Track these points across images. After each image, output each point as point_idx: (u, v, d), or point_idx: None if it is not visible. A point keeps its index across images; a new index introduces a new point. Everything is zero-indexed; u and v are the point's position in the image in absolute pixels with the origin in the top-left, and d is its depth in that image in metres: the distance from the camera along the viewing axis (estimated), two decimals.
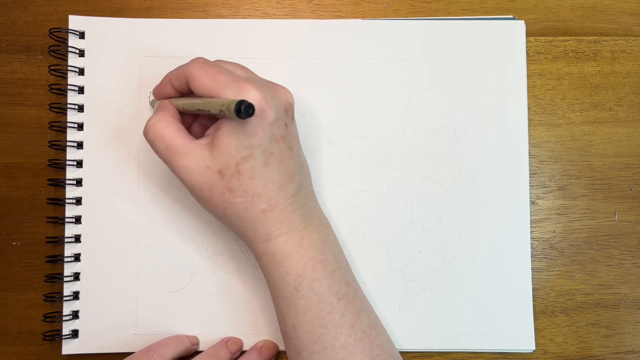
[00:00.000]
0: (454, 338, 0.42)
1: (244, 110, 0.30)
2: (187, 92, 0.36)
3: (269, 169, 0.34)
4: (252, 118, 0.32)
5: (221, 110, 0.32)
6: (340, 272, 0.36)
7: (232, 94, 0.32)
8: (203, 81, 0.33)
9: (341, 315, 0.35)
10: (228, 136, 0.33)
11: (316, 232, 0.36)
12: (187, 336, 0.41)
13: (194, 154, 0.34)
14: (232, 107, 0.30)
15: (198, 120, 0.38)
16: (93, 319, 0.42)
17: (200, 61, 0.34)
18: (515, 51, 0.44)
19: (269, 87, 0.34)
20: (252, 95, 0.32)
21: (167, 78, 0.37)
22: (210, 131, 0.35)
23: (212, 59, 0.43)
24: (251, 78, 0.35)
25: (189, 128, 0.38)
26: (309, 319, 0.35)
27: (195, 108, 0.34)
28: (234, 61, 0.37)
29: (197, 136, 0.37)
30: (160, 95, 0.38)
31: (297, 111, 0.43)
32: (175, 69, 0.36)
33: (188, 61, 0.35)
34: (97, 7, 0.44)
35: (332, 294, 0.35)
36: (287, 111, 0.35)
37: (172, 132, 0.34)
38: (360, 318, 0.36)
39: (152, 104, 0.41)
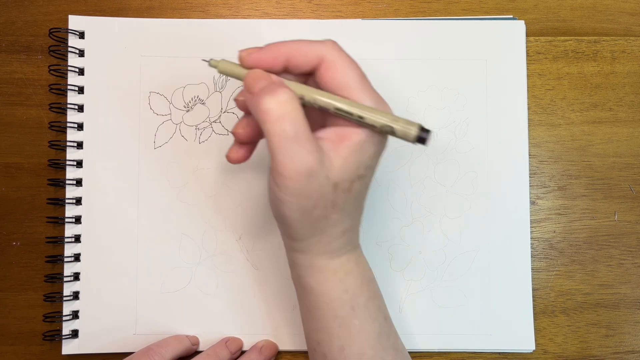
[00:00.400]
0: (454, 338, 0.42)
1: (426, 137, 0.28)
2: (295, 74, 0.31)
3: (366, 192, 0.33)
4: (379, 141, 0.31)
5: (387, 128, 0.29)
6: (381, 291, 0.36)
7: (372, 100, 0.30)
8: (348, 75, 0.30)
9: (387, 336, 0.35)
10: (356, 150, 0.30)
11: (362, 252, 0.36)
12: (187, 336, 0.41)
13: (319, 156, 0.29)
14: (414, 131, 0.28)
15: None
16: (93, 319, 0.42)
17: (339, 47, 0.30)
18: (515, 51, 0.44)
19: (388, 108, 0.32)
20: (388, 107, 0.31)
21: (283, 49, 0.30)
22: (328, 135, 0.30)
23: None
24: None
25: None
26: (362, 340, 0.33)
27: (335, 108, 0.29)
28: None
29: None
30: (256, 62, 0.31)
31: None
32: (299, 42, 0.30)
33: (317, 40, 0.30)
34: (97, 7, 0.44)
35: (381, 313, 0.35)
36: None
37: (304, 120, 0.29)
38: (398, 339, 0.36)
39: (221, 67, 0.32)
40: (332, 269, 0.33)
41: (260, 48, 0.31)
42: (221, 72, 0.32)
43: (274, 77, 0.31)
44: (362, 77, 0.30)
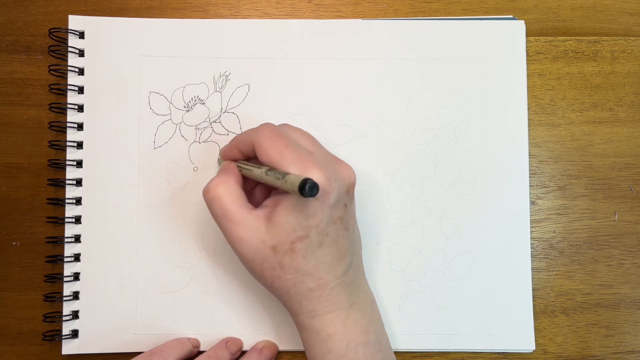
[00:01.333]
0: (454, 338, 0.42)
1: (308, 189, 0.30)
2: (254, 157, 0.36)
3: (322, 249, 0.34)
4: (313, 200, 0.32)
5: (284, 185, 0.31)
6: (381, 353, 0.36)
7: (297, 171, 0.32)
8: (270, 153, 0.33)
9: None
10: (287, 214, 0.33)
11: (361, 310, 0.36)
12: (187, 338, 0.41)
13: (249, 226, 0.33)
14: (297, 184, 0.30)
15: (261, 185, 0.38)
16: (93, 319, 0.42)
17: (268, 130, 0.34)
18: (515, 51, 0.44)
19: (332, 167, 0.34)
20: (316, 177, 0.32)
21: (235, 142, 0.37)
22: (268, 203, 0.35)
23: (212, 60, 0.43)
24: (316, 154, 0.35)
25: (250, 192, 0.38)
26: None
27: (260, 178, 0.34)
28: (299, 128, 0.37)
29: (258, 201, 0.38)
30: (226, 157, 0.38)
31: (298, 111, 0.43)
32: (244, 134, 0.36)
33: (257, 126, 0.35)
34: (97, 7, 0.44)
35: None
36: (349, 192, 0.35)
37: (231, 198, 0.34)
38: None
39: (219, 162, 0.41)
40: (315, 329, 0.35)
41: (228, 144, 0.38)
42: (219, 164, 0.40)
43: (229, 163, 0.37)
44: (284, 147, 0.33)
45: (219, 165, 0.41)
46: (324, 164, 0.33)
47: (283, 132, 0.35)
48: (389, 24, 0.44)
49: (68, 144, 0.42)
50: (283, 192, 0.34)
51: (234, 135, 0.38)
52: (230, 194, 0.34)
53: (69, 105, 0.43)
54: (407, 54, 0.44)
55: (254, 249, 0.33)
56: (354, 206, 0.37)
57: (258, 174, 0.34)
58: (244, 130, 0.43)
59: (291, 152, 0.33)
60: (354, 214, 0.37)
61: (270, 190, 0.38)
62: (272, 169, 0.33)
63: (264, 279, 0.35)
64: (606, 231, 0.44)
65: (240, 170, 0.36)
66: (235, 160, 0.37)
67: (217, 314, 0.42)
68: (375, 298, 0.41)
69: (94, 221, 0.42)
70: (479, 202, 0.43)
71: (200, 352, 0.41)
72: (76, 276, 0.42)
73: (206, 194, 0.35)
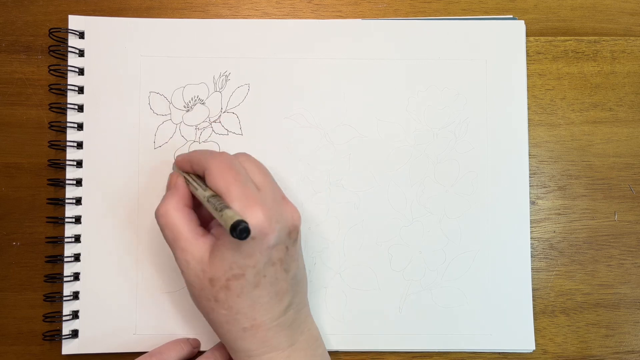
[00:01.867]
0: (454, 338, 0.42)
1: (239, 232, 0.30)
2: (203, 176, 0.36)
3: (258, 290, 0.33)
4: (251, 240, 0.32)
5: (220, 219, 0.31)
6: None
7: (239, 208, 0.32)
8: (217, 184, 0.33)
9: None
10: (225, 250, 0.33)
11: (302, 349, 0.36)
12: (187, 339, 0.41)
13: (195, 254, 0.34)
14: (229, 223, 0.30)
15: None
16: (93, 319, 0.42)
17: (221, 159, 0.34)
18: (515, 51, 0.44)
19: (278, 207, 0.34)
20: (256, 217, 0.32)
21: (189, 157, 0.36)
22: (215, 232, 0.35)
23: (212, 60, 0.43)
24: (263, 192, 0.34)
25: (197, 204, 0.37)
26: None
27: (202, 201, 0.34)
28: (256, 161, 0.36)
29: (210, 217, 0.37)
30: (180, 167, 0.38)
31: (298, 111, 0.43)
32: (200, 153, 0.36)
33: (213, 151, 0.35)
34: (97, 7, 0.44)
35: None
36: (291, 234, 0.35)
37: (182, 222, 0.34)
38: None
39: (173, 167, 0.40)
40: None
41: (184, 155, 0.37)
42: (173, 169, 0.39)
43: (178, 182, 0.36)
44: (232, 181, 0.33)
45: (172, 169, 0.40)
46: (268, 204, 0.33)
47: (235, 164, 0.34)
48: (389, 24, 0.44)
49: (68, 144, 0.42)
50: None
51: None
52: (182, 219, 0.34)
53: (69, 105, 0.43)
54: (407, 54, 0.44)
55: (195, 277, 0.34)
56: (299, 249, 0.36)
57: (201, 196, 0.34)
58: (243, 129, 0.43)
59: (238, 187, 0.33)
60: (297, 255, 0.36)
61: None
62: (215, 195, 0.33)
63: (200, 306, 0.35)
64: (606, 231, 0.44)
65: (187, 185, 0.36)
66: (186, 172, 0.37)
67: None
68: (375, 298, 0.41)
69: (94, 221, 0.42)
70: (479, 202, 0.43)
71: (200, 353, 0.41)
72: (76, 276, 0.42)
73: (158, 217, 0.35)
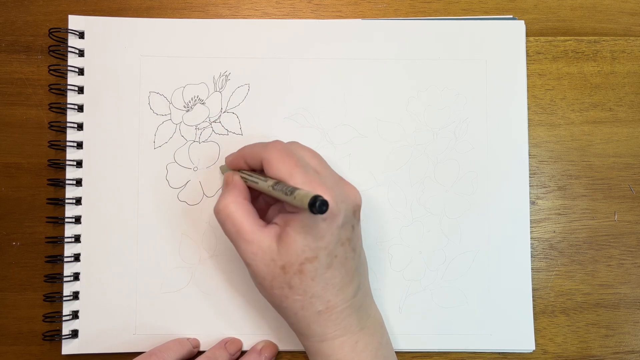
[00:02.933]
0: (454, 338, 0.42)
1: (318, 206, 0.29)
2: (260, 170, 0.36)
3: (331, 271, 0.34)
4: (321, 221, 0.32)
5: (293, 201, 0.31)
6: None
7: (300, 183, 0.32)
8: (280, 172, 0.33)
9: None
10: (295, 235, 0.33)
11: (371, 334, 0.36)
12: (187, 339, 0.41)
13: (262, 244, 0.34)
14: (306, 201, 0.30)
15: (264, 196, 0.39)
16: (93, 319, 0.42)
17: (278, 147, 0.34)
18: (515, 51, 0.44)
19: (339, 188, 0.35)
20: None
21: (242, 153, 0.37)
22: (278, 221, 0.35)
23: (212, 60, 0.43)
24: (323, 175, 0.35)
25: (256, 200, 0.38)
26: None
27: (266, 192, 0.34)
28: (308, 147, 0.37)
29: (263, 210, 0.38)
30: (232, 166, 0.38)
31: (298, 111, 0.43)
32: (252, 146, 0.36)
33: (267, 142, 0.36)
34: (97, 7, 0.44)
35: None
36: (355, 213, 0.35)
37: (243, 215, 0.35)
38: None
39: (222, 170, 0.41)
40: (325, 353, 0.35)
41: (235, 154, 0.38)
42: (222, 172, 0.41)
43: (234, 177, 0.37)
44: (294, 167, 0.33)
45: (222, 172, 0.40)
46: (331, 186, 0.33)
47: (293, 150, 0.35)
48: (389, 24, 0.44)
49: (68, 144, 0.42)
50: (292, 211, 0.34)
51: (242, 145, 0.38)
52: (242, 212, 0.35)
53: (68, 105, 0.43)
54: (407, 54, 0.44)
55: (265, 266, 0.34)
56: (360, 228, 0.37)
57: (265, 186, 0.34)
58: (243, 129, 0.43)
59: (300, 172, 0.33)
60: (361, 235, 0.37)
61: (275, 200, 0.38)
62: (279, 182, 0.33)
63: (272, 297, 0.35)
64: (606, 231, 0.44)
65: (245, 182, 0.36)
66: (239, 170, 0.38)
67: (217, 314, 0.42)
68: (375, 298, 0.41)
69: (94, 221, 0.42)
70: (479, 202, 0.43)
71: (200, 353, 0.41)
72: (76, 276, 0.42)
73: (218, 213, 0.35)
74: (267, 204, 0.39)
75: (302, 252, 0.33)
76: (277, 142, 0.35)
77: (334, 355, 0.35)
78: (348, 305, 0.35)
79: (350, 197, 0.35)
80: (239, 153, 0.37)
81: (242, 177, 0.37)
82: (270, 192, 0.34)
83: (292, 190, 0.31)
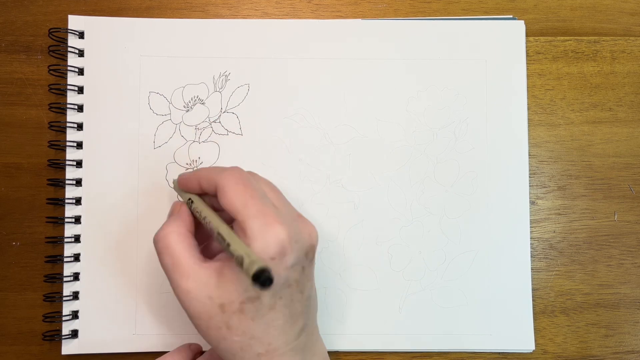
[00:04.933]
0: (453, 338, 0.42)
1: (261, 281, 0.28)
2: (213, 195, 0.34)
3: (273, 313, 0.32)
4: (269, 260, 0.30)
5: (238, 264, 0.29)
6: None
7: (258, 226, 0.30)
8: (233, 201, 0.31)
9: None
10: (238, 272, 0.31)
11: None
12: (189, 345, 0.40)
13: (198, 279, 0.32)
14: (252, 270, 0.28)
15: None
16: (93, 319, 0.42)
17: (236, 175, 0.32)
18: (515, 51, 0.44)
19: (296, 225, 0.33)
20: (277, 235, 0.30)
21: (197, 175, 0.35)
22: (222, 256, 0.33)
23: (212, 60, 0.43)
24: (280, 210, 0.33)
25: (199, 229, 0.36)
26: None
27: (215, 233, 0.32)
28: (265, 178, 0.35)
29: (208, 242, 0.36)
30: (184, 187, 0.36)
31: (298, 111, 0.43)
32: (209, 170, 0.34)
33: (224, 167, 0.34)
34: (97, 7, 0.44)
35: None
36: (308, 254, 0.33)
37: (182, 248, 0.32)
38: None
39: (174, 185, 0.38)
40: None
41: (190, 173, 0.35)
42: (175, 189, 0.38)
43: (181, 208, 0.35)
44: (249, 198, 0.31)
45: (174, 188, 0.38)
46: (287, 221, 0.32)
47: (251, 180, 0.33)
48: (389, 24, 0.44)
49: (68, 144, 0.42)
50: None
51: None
52: (182, 244, 0.33)
53: (68, 105, 0.43)
54: (407, 54, 0.44)
55: (201, 304, 0.31)
56: (313, 269, 0.35)
57: (216, 228, 0.32)
58: (243, 129, 0.43)
59: (256, 204, 0.31)
60: (312, 276, 0.35)
61: None
62: (222, 236, 0.31)
63: (209, 337, 0.33)
64: (606, 231, 0.44)
65: (193, 213, 0.35)
66: (191, 193, 0.35)
67: None
68: (376, 298, 0.41)
69: (94, 221, 0.42)
70: (479, 202, 0.43)
71: (201, 353, 0.41)
72: (76, 276, 0.42)
73: (157, 243, 0.33)
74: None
75: (245, 290, 0.31)
76: (235, 169, 0.33)
77: None
78: (291, 347, 0.33)
79: (306, 237, 0.33)
80: (195, 174, 0.35)
81: (189, 206, 0.35)
82: (216, 238, 0.32)
83: (240, 256, 0.29)
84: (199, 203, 0.35)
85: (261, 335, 0.32)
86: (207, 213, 0.33)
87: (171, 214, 0.36)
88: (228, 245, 0.30)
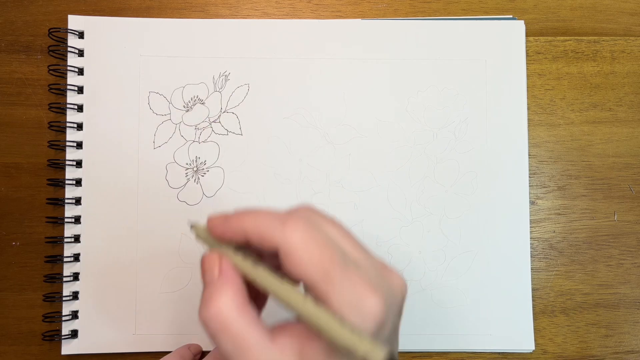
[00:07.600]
0: (453, 338, 0.42)
1: None
2: (257, 247, 0.26)
3: None
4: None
5: (346, 348, 0.23)
6: None
7: (349, 301, 0.23)
8: (309, 271, 0.24)
9: None
10: (321, 351, 0.24)
11: None
12: (189, 347, 0.40)
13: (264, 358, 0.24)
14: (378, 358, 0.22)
15: None
16: (93, 319, 0.42)
17: (303, 231, 0.25)
18: (514, 51, 0.44)
19: (385, 283, 0.26)
20: (373, 307, 0.24)
21: (242, 224, 0.26)
22: (295, 331, 0.25)
23: (212, 60, 0.43)
24: (362, 265, 0.25)
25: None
26: None
27: (295, 313, 0.25)
28: (328, 215, 0.27)
29: (257, 295, 0.29)
30: (220, 236, 0.27)
31: (298, 111, 0.43)
32: (262, 220, 0.25)
33: (283, 215, 0.25)
34: (97, 7, 0.44)
35: None
36: (400, 311, 0.27)
37: (245, 324, 0.25)
38: None
39: (197, 232, 0.28)
40: None
41: (227, 218, 0.27)
42: (197, 237, 0.29)
43: (224, 266, 0.26)
44: (330, 263, 0.24)
45: (192, 232, 0.29)
46: (377, 282, 0.25)
47: (323, 235, 0.25)
48: (389, 24, 0.44)
49: (67, 143, 0.42)
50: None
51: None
52: (243, 319, 0.25)
53: (68, 105, 0.43)
54: (406, 54, 0.44)
55: None
56: (401, 319, 0.28)
57: (287, 303, 0.25)
58: (243, 129, 0.43)
59: (339, 271, 0.24)
60: (399, 327, 0.28)
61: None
62: (309, 319, 0.24)
63: None
64: (606, 231, 0.44)
65: (242, 272, 0.26)
66: (230, 243, 0.27)
67: None
68: None
69: (93, 221, 0.42)
70: (479, 202, 0.43)
71: (205, 353, 0.41)
72: (76, 276, 0.42)
73: (209, 322, 0.25)
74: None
75: None
76: (298, 220, 0.25)
77: None
78: None
79: (397, 294, 0.26)
80: (238, 222, 0.26)
81: (236, 265, 0.26)
82: (301, 317, 0.24)
83: (349, 346, 0.23)
84: (253, 264, 0.26)
85: None
86: (269, 281, 0.25)
87: (211, 278, 0.26)
88: (321, 328, 0.24)
